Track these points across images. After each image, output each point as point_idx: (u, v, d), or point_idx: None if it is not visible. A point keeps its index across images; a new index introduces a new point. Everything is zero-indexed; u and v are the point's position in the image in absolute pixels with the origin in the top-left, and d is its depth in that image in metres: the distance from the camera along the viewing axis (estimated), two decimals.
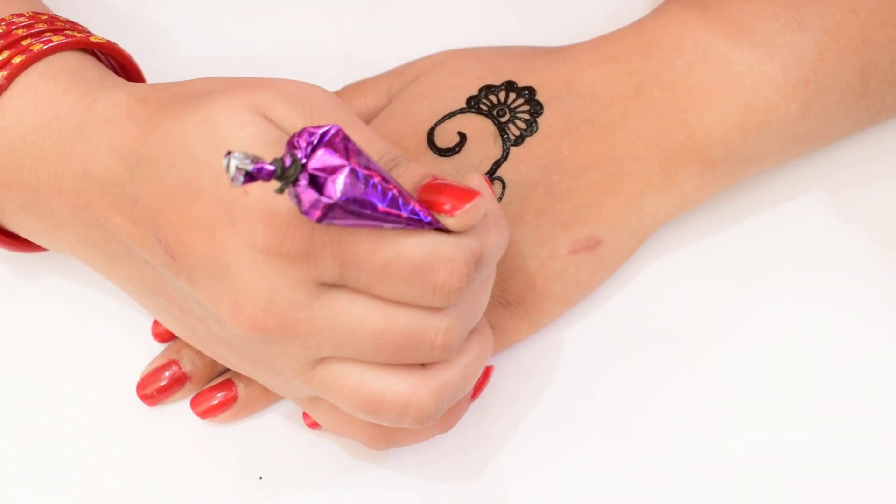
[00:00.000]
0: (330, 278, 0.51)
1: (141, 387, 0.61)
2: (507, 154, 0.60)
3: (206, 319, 0.53)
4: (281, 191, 0.47)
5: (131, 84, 0.57)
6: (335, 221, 0.48)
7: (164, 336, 0.62)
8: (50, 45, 0.56)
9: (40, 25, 0.57)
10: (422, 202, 0.51)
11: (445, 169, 0.60)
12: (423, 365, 0.53)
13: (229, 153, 0.46)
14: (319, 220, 0.48)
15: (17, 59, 0.56)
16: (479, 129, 0.61)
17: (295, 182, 0.47)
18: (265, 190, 0.50)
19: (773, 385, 0.62)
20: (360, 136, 0.52)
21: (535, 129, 0.61)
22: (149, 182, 0.52)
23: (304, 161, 0.47)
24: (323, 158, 0.47)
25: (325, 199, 0.48)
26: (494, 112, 0.61)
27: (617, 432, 0.61)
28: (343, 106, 0.53)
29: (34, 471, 0.60)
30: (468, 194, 0.51)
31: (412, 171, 0.52)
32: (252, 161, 0.46)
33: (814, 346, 0.62)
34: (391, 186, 0.49)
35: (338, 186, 0.48)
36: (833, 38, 0.61)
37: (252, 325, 0.51)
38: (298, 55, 0.69)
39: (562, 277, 0.60)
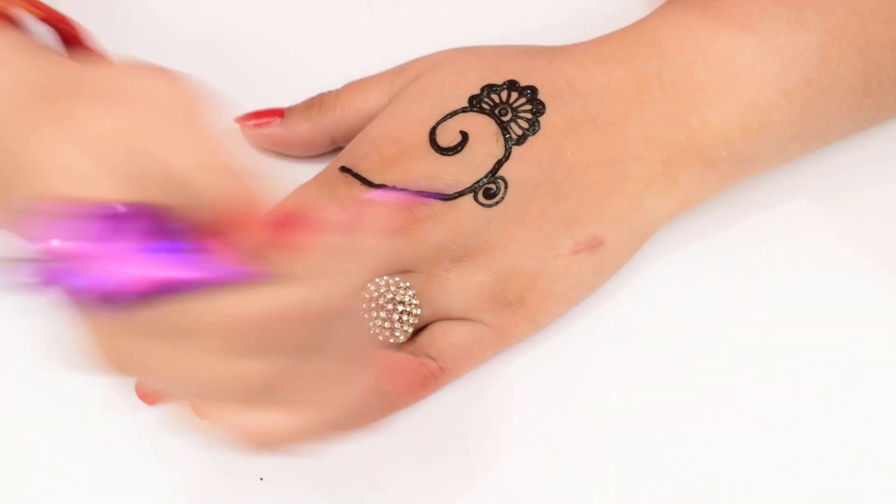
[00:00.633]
0: None
1: (139, 385, 0.61)
2: (510, 153, 0.60)
3: None
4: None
5: (41, 67, 0.51)
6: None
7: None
8: None
9: None
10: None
11: (447, 168, 0.60)
12: None
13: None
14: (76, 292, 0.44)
15: None
16: (482, 129, 0.61)
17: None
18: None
19: (775, 385, 0.62)
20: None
21: (537, 128, 0.61)
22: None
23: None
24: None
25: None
26: (496, 111, 0.61)
27: (619, 431, 0.61)
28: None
29: (32, 471, 0.60)
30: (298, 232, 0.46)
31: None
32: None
33: (817, 346, 0.62)
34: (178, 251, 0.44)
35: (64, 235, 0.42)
36: (836, 37, 0.60)
37: None
38: (298, 54, 0.69)
39: (564, 277, 0.60)
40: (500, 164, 0.60)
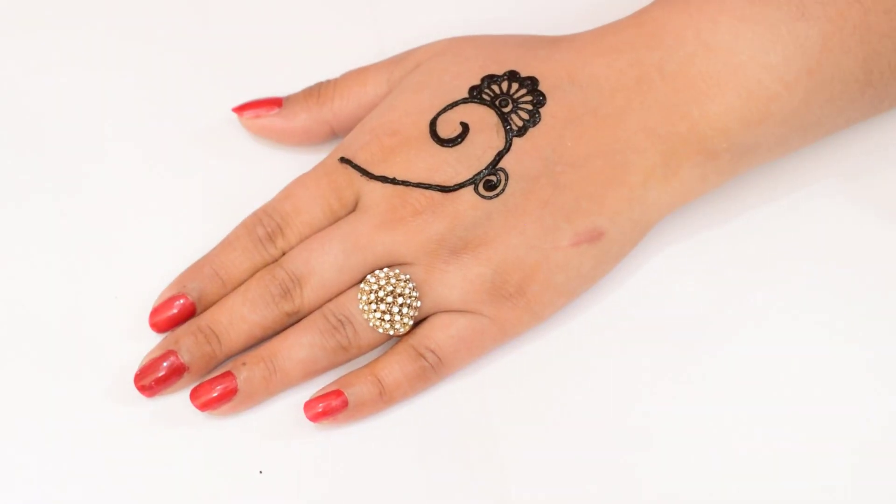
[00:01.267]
0: None
1: (139, 377, 0.61)
2: (510, 145, 0.60)
3: None
4: None
5: None
6: None
7: (161, 326, 0.61)
8: None
9: None
10: None
11: (447, 160, 0.60)
12: None
13: None
14: None
15: None
16: (482, 120, 0.60)
17: None
18: None
19: (775, 377, 0.62)
20: None
21: (538, 119, 0.60)
22: None
23: None
24: None
25: None
26: (497, 102, 0.61)
27: (618, 424, 0.61)
28: None
29: (32, 464, 0.60)
30: None
31: None
32: None
33: (816, 338, 0.62)
34: None
35: None
36: (837, 27, 0.60)
37: None
38: (297, 42, 0.68)
39: (564, 269, 0.60)
40: (500, 155, 0.60)
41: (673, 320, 0.62)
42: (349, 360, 0.61)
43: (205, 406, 0.60)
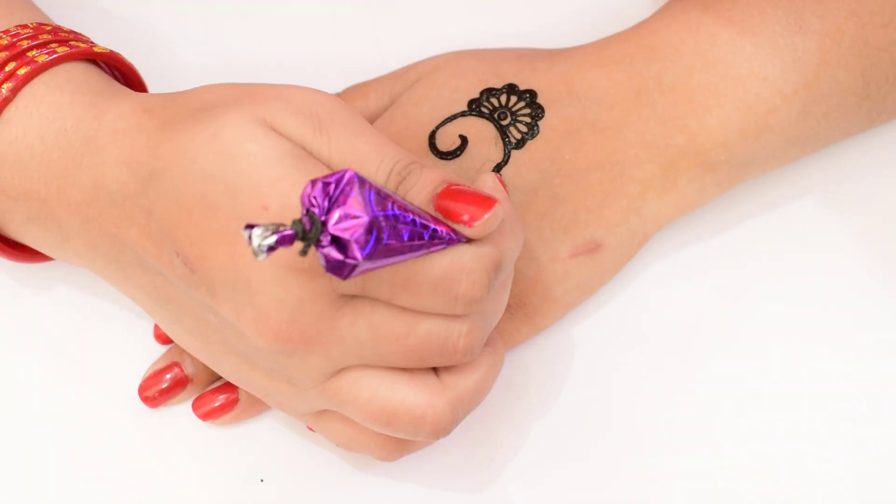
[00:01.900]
0: (351, 291, 0.51)
1: (143, 389, 0.61)
2: (509, 157, 0.60)
3: (222, 331, 0.54)
4: (304, 253, 0.46)
5: (137, 94, 0.57)
6: (361, 273, 0.48)
7: (165, 338, 0.62)
8: (54, 55, 0.56)
9: (44, 36, 0.57)
10: (438, 209, 0.51)
11: (447, 172, 0.60)
12: (438, 377, 0.53)
13: (249, 227, 0.45)
14: (345, 278, 0.48)
15: (21, 71, 0.56)
16: (480, 132, 0.61)
17: (318, 243, 0.47)
18: (284, 206, 0.50)
19: (773, 387, 0.62)
20: (371, 144, 0.52)
21: (536, 132, 0.61)
22: (163, 196, 0.52)
23: (323, 220, 0.47)
24: (341, 217, 0.47)
25: (349, 261, 0.47)
26: (495, 115, 0.61)
27: (617, 435, 0.61)
28: (351, 111, 0.53)
29: (37, 475, 0.60)
30: (486, 202, 0.51)
31: (426, 179, 0.52)
32: (273, 231, 0.45)
33: (813, 349, 0.62)
34: (409, 216, 0.49)
35: (360, 246, 0.47)
36: (834, 40, 0.60)
37: (276, 338, 0.51)
38: (299, 57, 0.69)
39: (563, 281, 0.60)
40: (498, 168, 0.60)
41: (671, 330, 0.62)
42: None
43: (207, 416, 0.61)
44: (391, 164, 0.52)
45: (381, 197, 0.49)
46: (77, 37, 0.58)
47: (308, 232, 0.47)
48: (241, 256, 0.50)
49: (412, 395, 0.53)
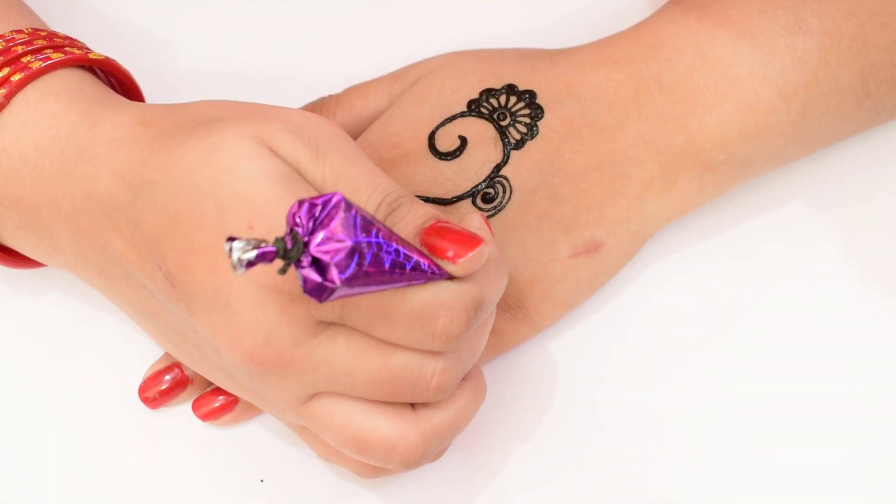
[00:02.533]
0: (329, 317, 0.51)
1: (143, 390, 0.61)
2: (508, 158, 0.60)
3: (202, 346, 0.54)
4: (283, 271, 0.46)
5: (134, 104, 0.56)
6: (339, 298, 0.48)
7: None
8: (49, 62, 0.56)
9: (39, 42, 0.57)
10: (424, 244, 0.51)
11: (446, 173, 0.60)
12: (413, 408, 0.53)
13: (231, 239, 0.45)
14: (322, 301, 0.47)
15: (16, 77, 0.55)
16: (480, 133, 0.61)
17: (298, 263, 0.47)
18: (270, 227, 0.50)
19: (772, 387, 0.62)
20: (365, 173, 0.53)
21: (535, 132, 0.61)
22: (151, 207, 0.52)
23: (305, 240, 0.47)
24: (324, 239, 0.47)
25: (328, 284, 0.47)
26: (495, 116, 0.61)
27: (617, 435, 0.61)
28: (348, 139, 0.53)
29: (37, 476, 0.60)
30: (471, 241, 0.52)
31: (415, 213, 0.53)
32: (254, 246, 0.45)
33: (812, 348, 0.62)
34: (392, 245, 0.49)
35: (340, 270, 0.47)
36: (834, 40, 0.60)
37: (250, 358, 0.51)
38: (298, 57, 0.69)
39: (562, 281, 0.60)
40: (498, 168, 0.60)
41: (670, 330, 0.62)
42: None
43: (206, 416, 0.61)
44: (382, 195, 0.52)
45: (367, 223, 0.48)
46: (72, 42, 0.58)
47: (289, 250, 0.46)
48: (222, 274, 0.50)
49: (385, 425, 0.53)
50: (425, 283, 0.51)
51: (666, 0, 0.64)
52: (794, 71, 0.60)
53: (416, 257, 0.50)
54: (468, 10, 0.69)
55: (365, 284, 0.48)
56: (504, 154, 0.60)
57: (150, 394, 0.61)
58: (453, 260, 0.51)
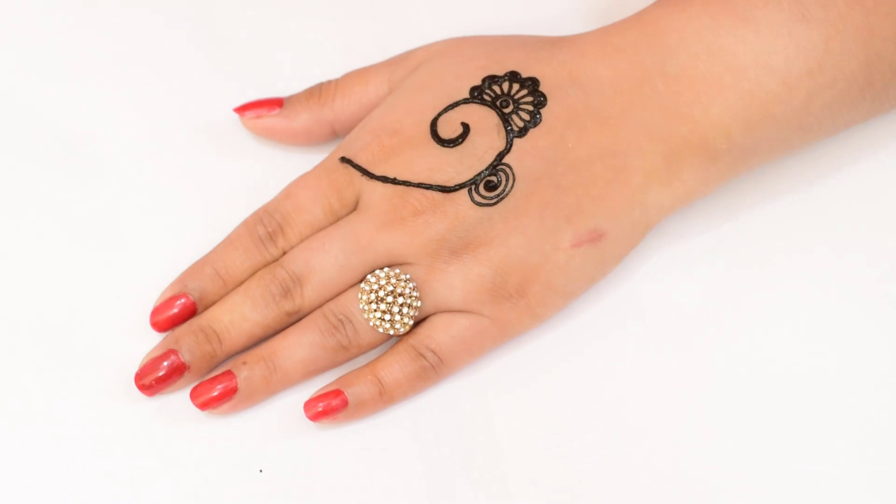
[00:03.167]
0: None
1: (139, 377, 0.61)
2: (511, 145, 0.60)
3: None
4: None
5: None
6: None
7: (162, 325, 0.62)
8: None
9: None
10: None
11: (448, 160, 0.60)
12: None
13: None
14: None
15: None
16: (483, 120, 0.60)
17: None
18: None
19: (773, 378, 0.62)
20: None
21: (538, 120, 0.60)
22: None
23: None
24: None
25: None
26: (498, 103, 0.61)
27: (619, 424, 0.61)
28: None
29: (32, 464, 0.60)
30: None
31: None
32: None
33: (815, 338, 0.62)
34: None
35: None
36: (838, 29, 0.60)
37: None
38: (297, 42, 0.68)
39: (565, 270, 0.60)
40: (501, 156, 0.60)
41: (673, 320, 0.62)
42: (349, 359, 0.61)
43: (205, 405, 0.60)
44: None
45: None
46: None
47: None
48: None
49: None
50: None
51: None
52: (798, 60, 0.60)
53: None
54: (469, 2, 0.69)
55: None
56: (507, 142, 0.60)
57: (147, 381, 0.61)
58: None
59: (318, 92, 0.65)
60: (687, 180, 0.61)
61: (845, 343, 0.62)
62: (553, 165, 0.60)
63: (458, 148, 0.60)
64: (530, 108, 0.60)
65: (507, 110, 0.61)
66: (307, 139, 0.65)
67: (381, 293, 0.60)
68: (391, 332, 0.60)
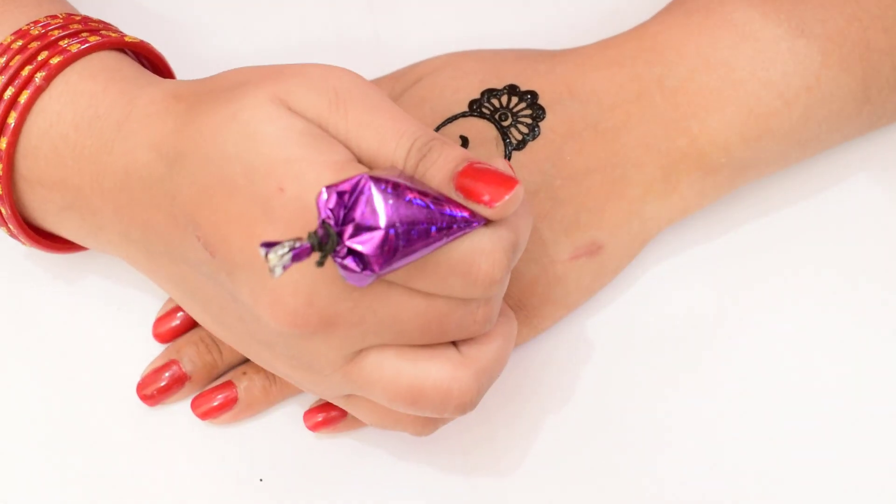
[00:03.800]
0: None
1: (141, 387, 0.61)
2: (510, 158, 0.60)
3: (244, 317, 0.53)
4: (320, 264, 0.47)
5: (168, 80, 0.57)
6: (382, 275, 0.49)
7: (164, 336, 0.62)
8: (87, 45, 0.56)
9: (75, 26, 0.57)
10: (459, 188, 0.51)
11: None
12: (458, 349, 0.53)
13: (266, 245, 0.46)
14: (364, 286, 0.48)
15: (54, 60, 0.56)
16: (481, 133, 0.61)
17: (335, 254, 0.47)
18: (301, 187, 0.50)
19: (772, 388, 0.62)
20: (390, 120, 0.52)
21: (537, 133, 0.61)
22: (186, 178, 0.52)
23: (338, 231, 0.47)
24: (355, 229, 0.47)
25: (366, 274, 0.48)
26: (496, 116, 0.61)
27: (617, 436, 0.61)
28: (370, 86, 0.53)
29: (34, 472, 0.60)
30: (508, 182, 0.51)
31: (448, 156, 0.51)
32: (289, 249, 0.46)
33: (813, 350, 0.62)
34: (424, 205, 0.49)
35: (376, 258, 0.48)
36: (836, 44, 0.61)
37: (293, 321, 0.51)
38: (298, 57, 0.68)
39: (563, 282, 0.60)
40: None
41: (670, 332, 0.62)
42: None
43: (206, 415, 0.61)
44: (411, 141, 0.52)
45: (398, 192, 0.48)
46: (107, 26, 0.58)
47: (324, 244, 0.47)
48: (259, 238, 0.50)
49: (436, 370, 0.52)
50: (462, 235, 0.51)
51: (668, 1, 0.64)
52: (796, 75, 0.60)
53: (449, 210, 0.50)
54: (468, 10, 0.69)
55: (405, 256, 0.48)
56: (506, 154, 0.60)
57: (149, 391, 0.61)
58: (490, 204, 0.50)
59: None
60: (685, 193, 0.61)
61: (845, 355, 0.62)
62: (551, 178, 0.60)
63: None
64: (529, 121, 0.61)
65: (505, 123, 0.61)
66: None
67: None
68: None
